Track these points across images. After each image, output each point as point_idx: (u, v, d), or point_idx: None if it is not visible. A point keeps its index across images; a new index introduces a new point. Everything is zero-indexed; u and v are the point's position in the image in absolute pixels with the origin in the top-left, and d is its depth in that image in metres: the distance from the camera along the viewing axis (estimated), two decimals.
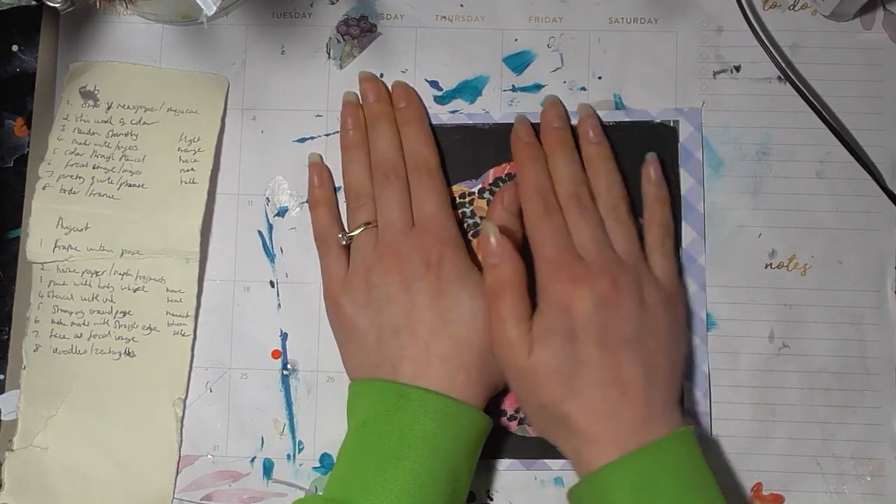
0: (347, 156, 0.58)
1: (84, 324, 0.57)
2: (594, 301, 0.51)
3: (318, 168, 0.58)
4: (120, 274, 0.57)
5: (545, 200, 0.55)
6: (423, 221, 0.55)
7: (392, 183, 0.55)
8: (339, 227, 0.57)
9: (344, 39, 0.60)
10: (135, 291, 0.57)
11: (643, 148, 0.58)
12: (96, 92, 0.59)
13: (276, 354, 0.58)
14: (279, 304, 0.58)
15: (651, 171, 0.57)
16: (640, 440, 0.50)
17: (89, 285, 0.57)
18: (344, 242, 0.56)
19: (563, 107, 0.58)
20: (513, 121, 0.58)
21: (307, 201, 0.58)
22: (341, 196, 0.58)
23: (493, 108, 0.59)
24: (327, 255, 0.56)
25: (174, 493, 0.57)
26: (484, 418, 0.52)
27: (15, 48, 0.59)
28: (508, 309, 0.52)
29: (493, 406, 0.57)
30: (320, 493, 0.53)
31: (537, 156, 0.57)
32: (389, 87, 0.59)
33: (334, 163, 0.59)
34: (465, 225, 0.58)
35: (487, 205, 0.58)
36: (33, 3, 0.50)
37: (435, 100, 0.59)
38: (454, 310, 0.53)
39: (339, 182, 0.58)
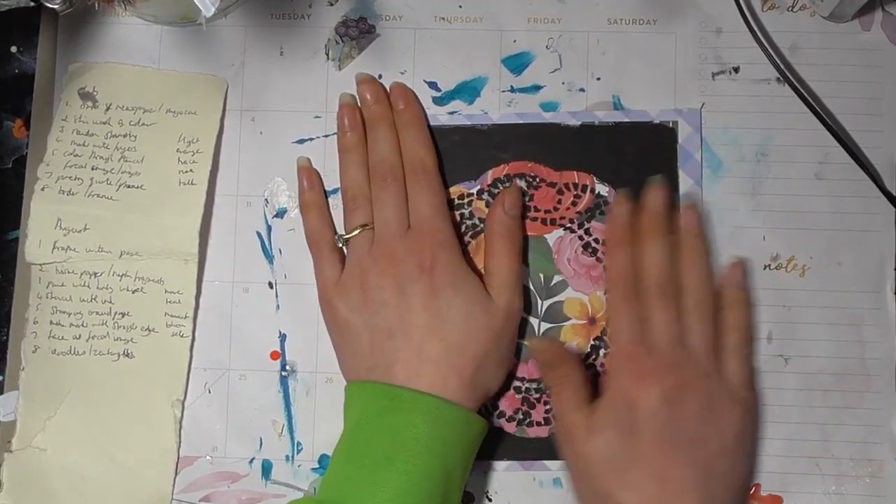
0: (345, 158, 0.57)
1: (83, 325, 0.57)
2: (659, 398, 0.51)
3: (307, 171, 0.58)
4: (119, 275, 0.57)
5: (627, 287, 0.55)
6: (418, 224, 0.55)
7: (389, 185, 0.55)
8: (332, 230, 0.57)
9: (343, 40, 0.60)
10: (133, 292, 0.57)
11: (643, 149, 0.58)
12: (95, 93, 0.59)
13: (274, 355, 0.58)
14: (278, 306, 0.58)
15: (736, 273, 0.56)
16: None
17: (88, 286, 0.57)
18: (339, 244, 0.56)
19: (668, 191, 0.57)
20: (511, 122, 0.58)
21: (299, 203, 0.58)
22: (335, 199, 0.58)
23: (491, 109, 0.59)
24: (321, 257, 0.56)
25: (173, 493, 0.57)
26: (478, 420, 0.52)
27: (14, 49, 0.59)
28: (569, 399, 0.54)
29: (491, 407, 0.57)
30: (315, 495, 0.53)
31: (628, 239, 0.56)
32: (387, 88, 0.59)
33: (331, 164, 0.58)
34: (464, 226, 0.58)
35: (486, 206, 0.58)
36: (32, 4, 0.50)
37: (433, 101, 0.59)
38: (447, 313, 0.53)
39: (333, 184, 0.58)
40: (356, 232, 0.55)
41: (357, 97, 0.58)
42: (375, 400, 0.51)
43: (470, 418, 0.52)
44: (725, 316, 0.56)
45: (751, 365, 0.55)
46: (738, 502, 0.53)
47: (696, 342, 0.54)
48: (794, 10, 0.59)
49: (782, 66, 0.57)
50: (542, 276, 0.58)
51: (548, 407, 0.57)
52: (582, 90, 0.59)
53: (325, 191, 0.58)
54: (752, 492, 0.56)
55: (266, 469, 0.57)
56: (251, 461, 0.57)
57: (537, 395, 0.57)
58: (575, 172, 0.58)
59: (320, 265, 0.56)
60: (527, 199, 0.58)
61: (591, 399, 0.54)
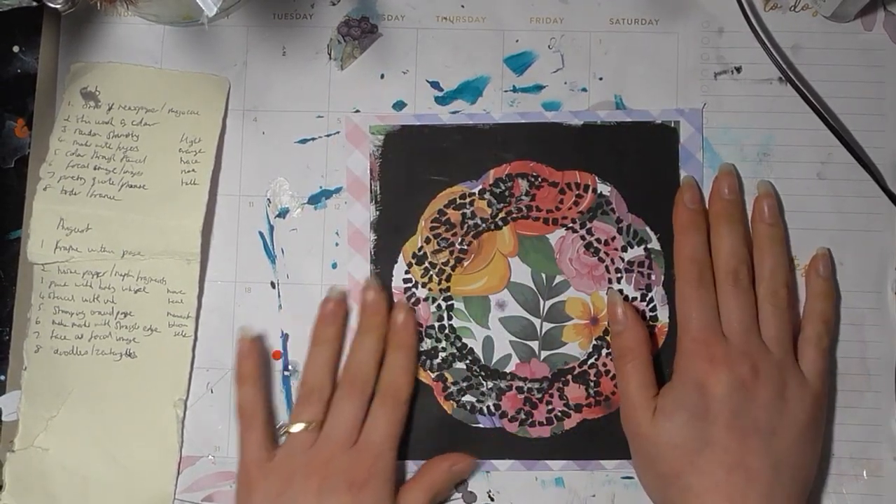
0: (315, 349, 0.56)
1: (85, 325, 0.57)
2: (730, 384, 0.51)
3: (246, 343, 0.56)
4: (121, 275, 0.57)
5: (699, 273, 0.55)
6: (366, 443, 0.54)
7: (356, 398, 0.54)
8: (266, 407, 0.56)
9: (345, 40, 0.60)
10: (136, 292, 0.57)
11: (644, 149, 0.58)
12: (97, 93, 0.59)
13: (276, 356, 0.58)
14: (280, 305, 0.58)
15: (820, 265, 0.56)
16: None
17: (90, 286, 0.57)
18: (281, 433, 0.55)
19: (739, 178, 0.57)
20: (513, 121, 0.58)
21: (234, 374, 0.57)
22: (336, 199, 0.58)
23: (493, 108, 0.59)
24: (251, 434, 0.55)
25: (175, 494, 0.57)
26: None
27: (16, 49, 0.59)
28: (631, 374, 0.54)
29: (493, 407, 0.57)
30: None
31: (699, 224, 0.56)
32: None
33: (333, 164, 0.59)
34: (465, 226, 0.58)
35: (488, 206, 0.58)
36: (34, 3, 0.50)
37: (436, 100, 0.59)
38: None
39: (335, 183, 0.58)
40: (300, 427, 0.54)
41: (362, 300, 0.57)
42: None
43: None
44: (808, 306, 0.56)
45: (827, 358, 0.55)
46: (803, 493, 0.53)
47: (770, 332, 0.54)
48: (796, 9, 0.59)
49: (784, 66, 0.57)
50: (543, 276, 0.58)
51: (549, 407, 0.57)
52: (584, 90, 0.59)
53: (261, 364, 0.57)
54: None
55: None
56: None
57: (539, 396, 0.57)
58: (577, 172, 0.59)
59: (249, 443, 0.55)
60: (528, 198, 0.58)
61: (656, 382, 0.54)
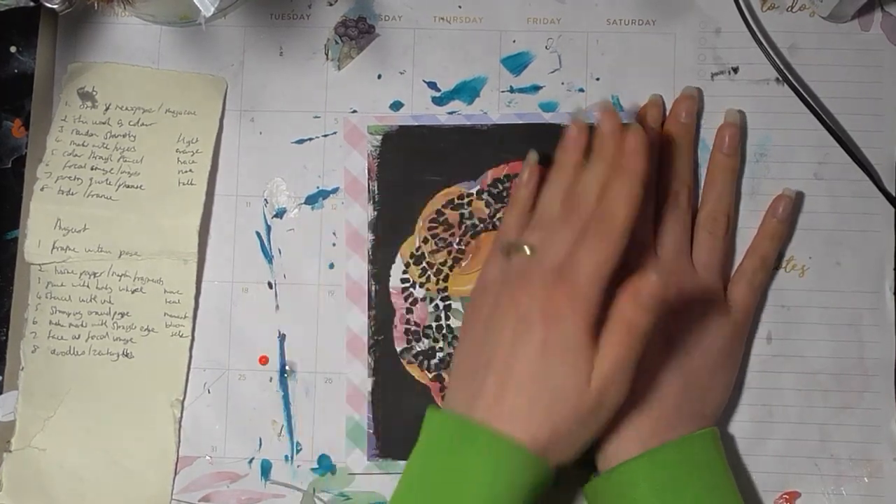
0: (557, 174, 0.53)
1: (82, 325, 0.57)
2: (654, 304, 0.48)
3: (534, 169, 0.55)
4: (118, 275, 0.57)
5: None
6: (569, 275, 0.48)
7: (572, 224, 0.50)
8: (520, 235, 0.53)
9: (342, 40, 0.60)
10: (133, 292, 0.57)
11: None
12: (94, 93, 0.59)
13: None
14: (277, 306, 0.58)
15: (780, 206, 0.56)
16: (663, 439, 0.50)
17: (87, 286, 0.57)
18: (510, 251, 0.52)
19: (702, 103, 0.58)
20: (511, 122, 0.58)
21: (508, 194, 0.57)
22: (333, 199, 0.58)
23: (491, 109, 0.59)
24: (496, 254, 0.53)
25: (172, 494, 0.57)
26: (547, 471, 0.49)
27: (13, 49, 0.59)
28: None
29: None
30: None
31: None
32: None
33: (330, 164, 0.59)
34: (463, 227, 0.58)
35: (485, 206, 0.58)
36: (31, 4, 0.51)
37: (433, 101, 0.59)
38: (545, 373, 0.48)
39: (332, 183, 0.58)
40: (523, 252, 0.51)
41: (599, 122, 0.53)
42: (450, 433, 0.48)
43: (539, 468, 0.48)
44: (753, 242, 0.56)
45: (757, 293, 0.56)
46: (713, 411, 0.54)
47: (702, 258, 0.55)
48: (794, 10, 0.59)
49: (781, 67, 0.57)
50: None
51: None
52: (581, 90, 0.59)
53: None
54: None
55: (265, 469, 0.57)
56: (250, 461, 0.57)
57: None
58: None
59: (492, 260, 0.53)
60: None
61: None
